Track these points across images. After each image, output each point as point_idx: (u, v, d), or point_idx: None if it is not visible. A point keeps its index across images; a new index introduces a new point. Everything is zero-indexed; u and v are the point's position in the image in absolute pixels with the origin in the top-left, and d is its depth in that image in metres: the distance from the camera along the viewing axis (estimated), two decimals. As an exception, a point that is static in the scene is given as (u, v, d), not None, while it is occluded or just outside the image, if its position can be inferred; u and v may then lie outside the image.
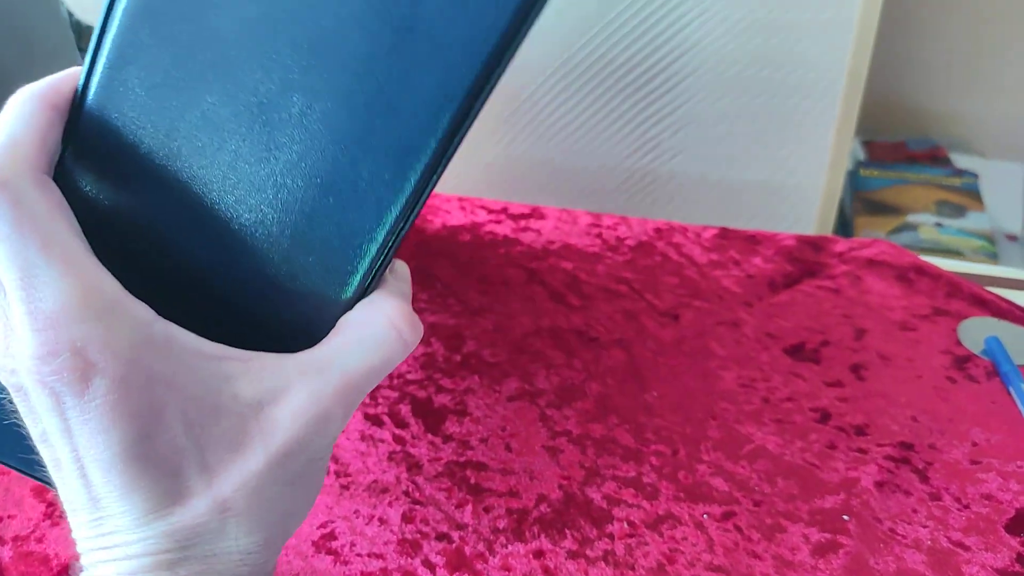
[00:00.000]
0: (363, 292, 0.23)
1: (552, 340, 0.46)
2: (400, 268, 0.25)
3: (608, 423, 0.40)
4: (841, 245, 0.52)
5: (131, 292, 0.21)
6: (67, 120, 0.22)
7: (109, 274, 0.21)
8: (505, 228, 0.55)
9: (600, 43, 0.58)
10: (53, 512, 0.37)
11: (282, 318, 0.24)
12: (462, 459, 0.39)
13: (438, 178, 0.22)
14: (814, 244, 0.53)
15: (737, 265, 0.51)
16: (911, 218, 1.00)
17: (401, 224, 0.22)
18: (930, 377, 0.42)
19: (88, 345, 0.19)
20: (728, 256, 0.52)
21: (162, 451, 0.20)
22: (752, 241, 0.54)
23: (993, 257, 0.94)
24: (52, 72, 0.22)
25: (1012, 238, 1.07)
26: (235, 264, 0.23)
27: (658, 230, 0.56)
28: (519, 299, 0.50)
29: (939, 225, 0.98)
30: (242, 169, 0.22)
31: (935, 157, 1.18)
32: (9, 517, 0.37)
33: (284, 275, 0.23)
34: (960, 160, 1.17)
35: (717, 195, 0.62)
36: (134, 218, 0.23)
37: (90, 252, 0.21)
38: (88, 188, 0.23)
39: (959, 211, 1.01)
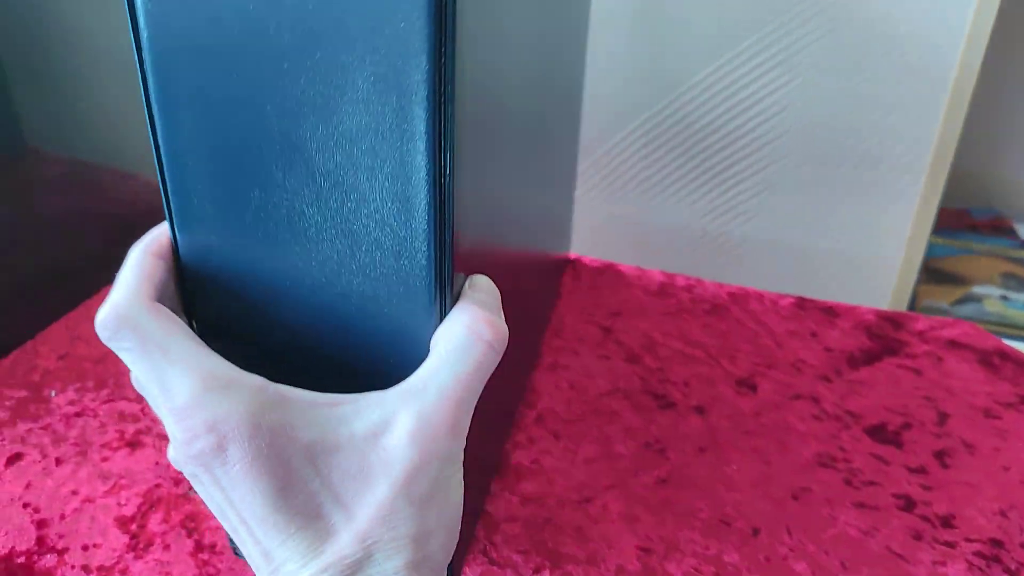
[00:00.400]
0: (442, 313, 0.26)
1: (628, 402, 0.46)
2: (480, 281, 0.27)
3: (687, 494, 0.40)
4: (922, 323, 0.52)
5: (250, 368, 0.25)
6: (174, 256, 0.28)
7: (222, 359, 0.25)
8: (581, 283, 0.55)
9: (685, 103, 0.58)
10: (136, 544, 0.38)
11: (381, 359, 0.27)
12: (539, 520, 0.39)
13: (450, 198, 0.24)
14: (894, 321, 0.52)
15: (814, 337, 0.51)
16: (976, 289, 0.98)
17: (440, 238, 0.24)
18: (1018, 470, 0.41)
19: (217, 421, 0.23)
20: (805, 327, 0.52)
21: (302, 497, 0.23)
22: (830, 313, 0.53)
23: (1061, 334, 0.92)
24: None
25: (1078, 314, 1.04)
26: (333, 329, 0.27)
27: (732, 295, 0.56)
28: (594, 357, 0.50)
29: (1004, 298, 0.97)
30: (318, 252, 0.26)
31: (998, 227, 1.17)
32: (95, 546, 0.38)
33: (371, 327, 0.26)
34: (1024, 231, 1.15)
35: (791, 261, 0.61)
36: (246, 310, 0.28)
37: (203, 347, 0.25)
38: (203, 296, 0.28)
39: (1025, 284, 1.00)
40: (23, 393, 0.48)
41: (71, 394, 0.47)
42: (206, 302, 0.29)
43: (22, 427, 0.45)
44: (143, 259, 0.28)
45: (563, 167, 0.49)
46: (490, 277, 0.28)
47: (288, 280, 0.27)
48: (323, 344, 0.27)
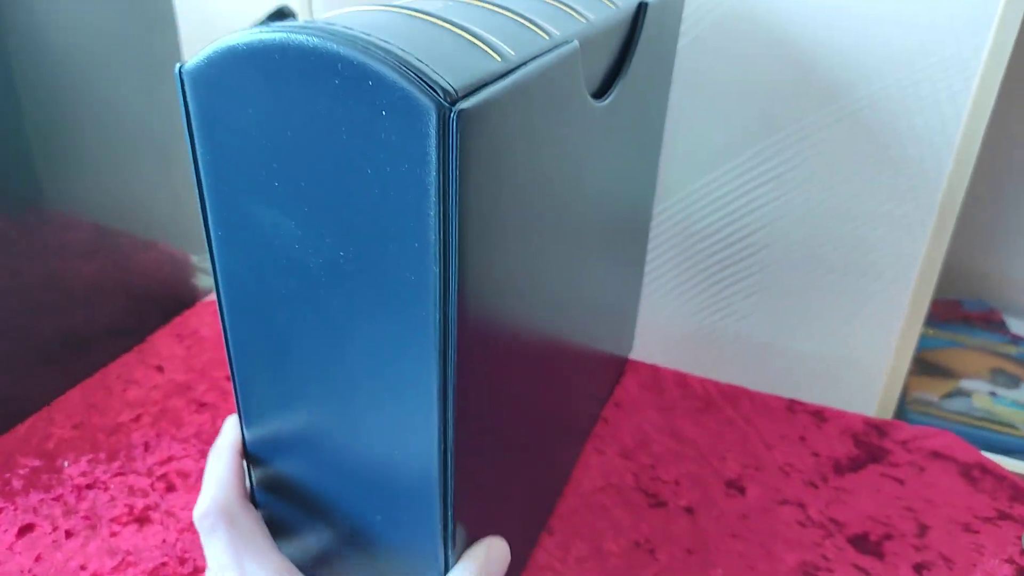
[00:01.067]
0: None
1: (620, 498, 0.48)
2: (479, 551, 0.32)
3: (674, 598, 0.41)
4: (906, 432, 0.54)
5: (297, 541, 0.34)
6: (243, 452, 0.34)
7: (289, 562, 0.32)
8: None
9: (683, 207, 0.61)
10: None
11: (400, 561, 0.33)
12: (530, 618, 0.40)
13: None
14: (879, 429, 0.54)
15: (803, 441, 0.53)
16: (964, 383, 1.00)
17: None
18: (994, 587, 0.43)
19: None
20: (794, 430, 0.54)
21: None
22: (819, 417, 0.55)
23: (1048, 434, 0.93)
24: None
25: (1066, 413, 1.06)
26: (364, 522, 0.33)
27: (724, 392, 0.58)
28: (591, 450, 0.51)
29: (993, 395, 0.98)
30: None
31: (989, 320, 1.19)
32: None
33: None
34: (1015, 325, 1.18)
35: (781, 360, 0.64)
36: (301, 495, 0.34)
37: (274, 547, 0.32)
38: (266, 489, 0.35)
39: (1014, 381, 1.01)
40: (37, 462, 0.49)
41: (83, 465, 0.49)
42: (269, 493, 0.35)
43: (34, 497, 0.47)
44: (232, 457, 0.33)
45: (628, 281, 0.54)
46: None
47: (334, 467, 0.32)
48: (354, 531, 0.33)
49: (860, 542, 0.45)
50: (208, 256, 0.29)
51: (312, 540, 0.35)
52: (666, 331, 0.66)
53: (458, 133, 0.23)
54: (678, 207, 0.61)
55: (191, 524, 0.45)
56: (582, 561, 0.43)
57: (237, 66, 0.24)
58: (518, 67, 0.27)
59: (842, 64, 0.53)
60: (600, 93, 0.37)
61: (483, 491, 0.33)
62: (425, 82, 0.23)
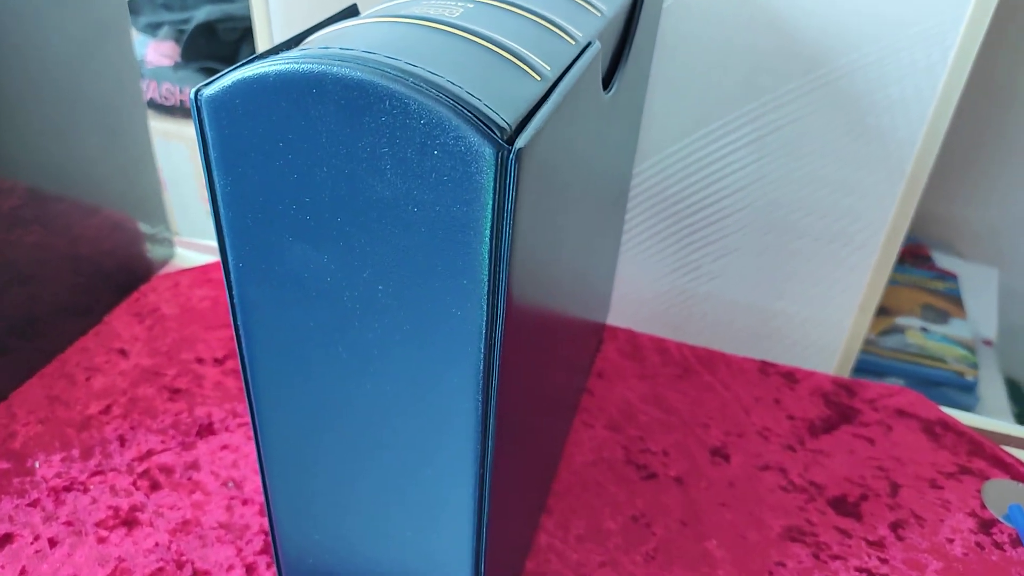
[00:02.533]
0: None
1: (612, 473, 0.49)
2: None
3: (675, 573, 0.43)
4: (872, 391, 0.56)
5: None
6: None
7: None
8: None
9: (659, 171, 0.61)
10: (146, 634, 0.38)
11: None
12: (539, 601, 0.41)
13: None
14: (847, 388, 0.57)
15: (778, 404, 0.55)
16: (899, 320, 1.06)
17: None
18: (961, 542, 0.46)
19: None
20: (769, 393, 0.56)
21: None
22: (790, 378, 0.57)
23: (974, 367, 1.00)
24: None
25: (988, 343, 1.13)
26: None
27: (700, 358, 0.59)
28: (579, 423, 0.52)
29: (924, 330, 1.04)
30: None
31: (917, 255, 1.25)
32: (103, 638, 0.38)
33: None
34: (940, 259, 1.24)
35: (749, 318, 0.65)
36: None
37: None
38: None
39: (943, 317, 1.08)
40: (5, 464, 0.47)
41: (56, 465, 0.47)
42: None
43: (8, 504, 0.44)
44: None
45: (611, 250, 0.53)
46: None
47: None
48: None
49: (839, 504, 0.48)
50: (226, 285, 0.27)
51: None
52: (640, 294, 0.67)
53: (516, 173, 0.22)
54: (654, 170, 0.61)
55: (183, 524, 0.44)
56: (583, 540, 0.44)
57: (266, 97, 0.22)
58: (555, 83, 0.26)
59: (824, 32, 0.52)
60: (605, 82, 0.36)
61: (508, 504, 0.33)
62: (481, 121, 0.21)
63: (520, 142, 0.21)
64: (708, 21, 0.54)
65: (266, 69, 0.22)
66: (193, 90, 0.23)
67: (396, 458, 0.29)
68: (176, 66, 0.99)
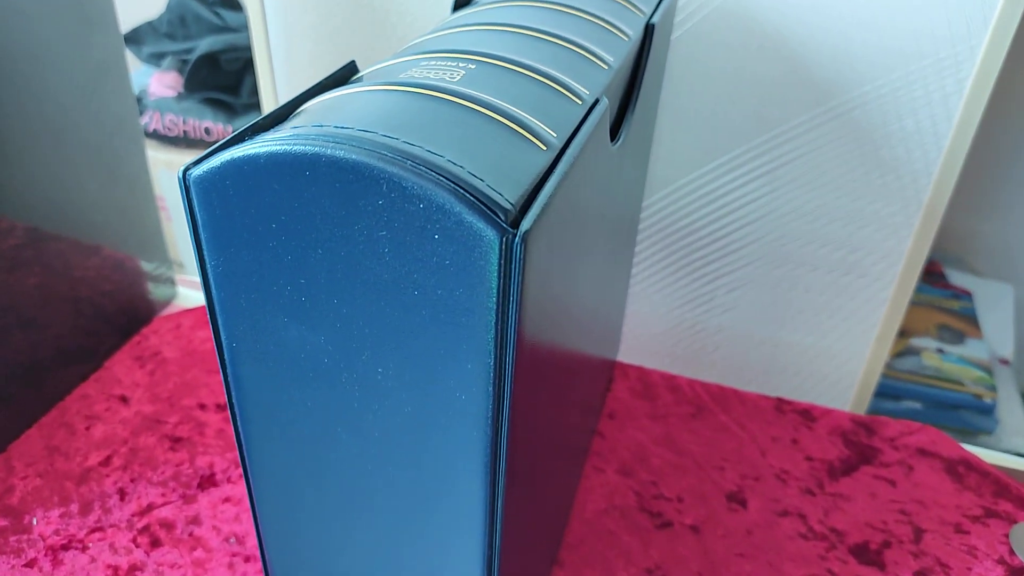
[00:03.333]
0: None
1: (625, 521, 0.47)
2: None
3: (692, 630, 0.41)
4: (891, 429, 0.55)
5: None
6: None
7: None
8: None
9: (669, 203, 0.60)
10: None
11: None
12: (552, 663, 0.39)
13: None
14: (866, 427, 0.55)
15: (795, 445, 0.53)
16: (914, 342, 1.04)
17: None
18: (989, 592, 0.44)
19: None
20: (786, 432, 0.54)
21: None
22: (807, 416, 0.56)
23: (992, 389, 0.98)
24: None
25: (1004, 362, 1.11)
26: None
27: (714, 396, 0.57)
28: (589, 468, 0.51)
29: (941, 351, 1.02)
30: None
31: (930, 272, 1.23)
32: None
33: None
34: (954, 277, 1.22)
35: (762, 352, 0.64)
36: None
37: None
38: None
39: (959, 337, 1.06)
40: (2, 522, 0.45)
41: (55, 521, 0.46)
42: None
43: (4, 565, 0.43)
44: None
45: (621, 287, 0.52)
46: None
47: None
48: None
49: (861, 552, 0.46)
50: (220, 364, 0.26)
51: None
52: (650, 328, 0.65)
53: (522, 258, 0.20)
54: (664, 203, 0.60)
55: (184, 584, 0.42)
56: (596, 595, 0.43)
57: (257, 178, 0.21)
58: (562, 150, 0.25)
59: (836, 64, 0.51)
60: (612, 132, 0.35)
61: (517, 560, 0.32)
62: (483, 204, 0.20)
63: (525, 224, 0.20)
64: (717, 52, 0.53)
65: (257, 150, 0.21)
66: (181, 169, 0.22)
67: (399, 497, 0.28)
68: (179, 96, 0.98)
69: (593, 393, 0.49)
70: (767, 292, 0.61)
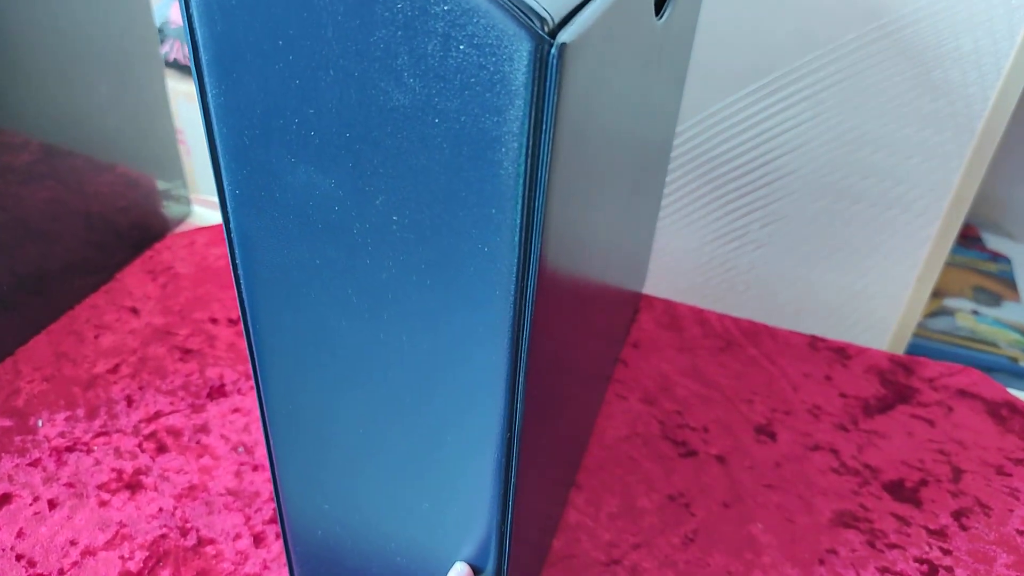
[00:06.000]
0: None
1: (647, 449, 0.45)
2: None
3: (716, 557, 0.39)
4: (931, 370, 0.52)
5: None
6: None
7: None
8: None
9: (702, 130, 0.57)
10: (145, 604, 0.36)
11: None
12: (568, 583, 0.38)
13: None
14: (905, 366, 0.52)
15: (829, 381, 0.51)
16: (948, 302, 1.00)
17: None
18: (1032, 533, 0.42)
19: None
20: (819, 369, 0.52)
21: None
22: (842, 354, 0.53)
23: (1028, 353, 0.94)
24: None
25: (1041, 329, 1.07)
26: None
27: (744, 331, 0.55)
28: (611, 395, 0.49)
29: (976, 313, 0.99)
30: None
31: (966, 235, 1.19)
32: (100, 607, 0.35)
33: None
34: (991, 241, 1.18)
35: (795, 291, 0.61)
36: None
37: None
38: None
39: (995, 300, 1.02)
40: (7, 422, 0.44)
41: (60, 424, 0.44)
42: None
43: (8, 463, 0.42)
44: None
45: (649, 213, 0.49)
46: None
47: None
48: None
49: (896, 489, 0.44)
50: (222, 215, 0.24)
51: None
52: (679, 263, 0.63)
53: (558, 73, 0.18)
54: (697, 129, 0.57)
55: (190, 489, 0.41)
56: (615, 518, 0.41)
57: None
58: None
59: (890, -26, 0.48)
60: (657, 7, 0.32)
61: (535, 476, 0.30)
62: (517, 7, 0.18)
63: (564, 36, 0.18)
64: (762, -37, 0.50)
65: None
66: (182, -19, 0.20)
67: (413, 419, 0.26)
68: (200, 26, 0.96)
69: (617, 319, 0.46)
70: (803, 227, 0.58)
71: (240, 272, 0.25)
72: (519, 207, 0.20)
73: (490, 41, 0.18)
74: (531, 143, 0.19)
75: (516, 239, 0.21)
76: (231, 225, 0.24)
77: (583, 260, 0.28)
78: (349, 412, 0.27)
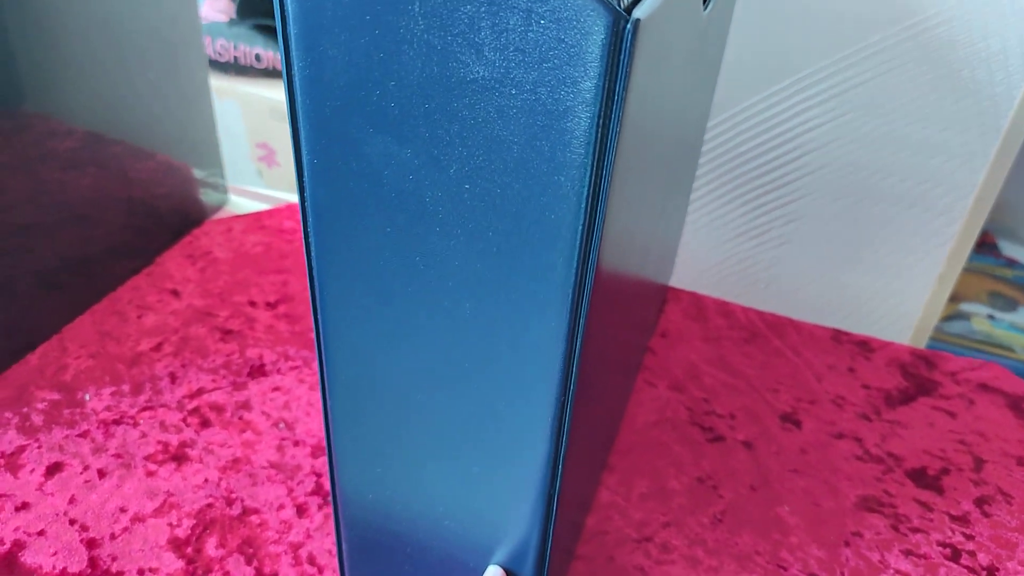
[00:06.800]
0: None
1: (676, 434, 0.46)
2: None
3: (744, 537, 0.40)
4: (953, 364, 0.53)
5: None
6: None
7: None
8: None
9: (727, 128, 0.58)
10: (195, 571, 0.37)
11: None
12: (601, 559, 0.39)
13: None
14: (927, 360, 0.53)
15: (852, 373, 0.52)
16: (964, 307, 1.01)
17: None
18: (1053, 522, 0.43)
19: None
20: (842, 361, 0.53)
21: None
22: (865, 347, 0.54)
23: (1043, 358, 0.95)
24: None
25: (1056, 336, 1.08)
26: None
27: (769, 323, 0.56)
28: (641, 382, 0.50)
29: (991, 318, 1.00)
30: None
31: (982, 242, 1.20)
32: (151, 571, 0.37)
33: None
34: (1006, 247, 1.19)
35: (818, 287, 0.62)
36: None
37: None
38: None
39: (1011, 305, 1.03)
40: (55, 395, 0.46)
41: (107, 398, 0.46)
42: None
43: (58, 433, 0.43)
44: None
45: (681, 206, 0.51)
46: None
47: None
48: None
49: (919, 477, 0.45)
50: (297, 186, 0.25)
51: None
52: (705, 256, 0.64)
53: (631, 51, 0.19)
54: (725, 126, 0.58)
55: (233, 462, 0.42)
56: (646, 498, 0.42)
57: None
58: None
59: (918, -24, 0.49)
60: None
61: (579, 450, 0.31)
62: None
63: (639, 12, 0.19)
64: (793, -36, 0.51)
65: None
66: (275, -41, 0.21)
67: (471, 385, 0.27)
68: (231, 22, 0.98)
69: (647, 309, 0.48)
70: (827, 225, 0.59)
71: (312, 241, 0.26)
72: (587, 177, 0.21)
73: (570, 16, 0.19)
74: (602, 114, 0.20)
75: (582, 207, 0.22)
76: (306, 194, 0.25)
77: (631, 243, 0.30)
78: (408, 377, 0.28)
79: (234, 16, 0.99)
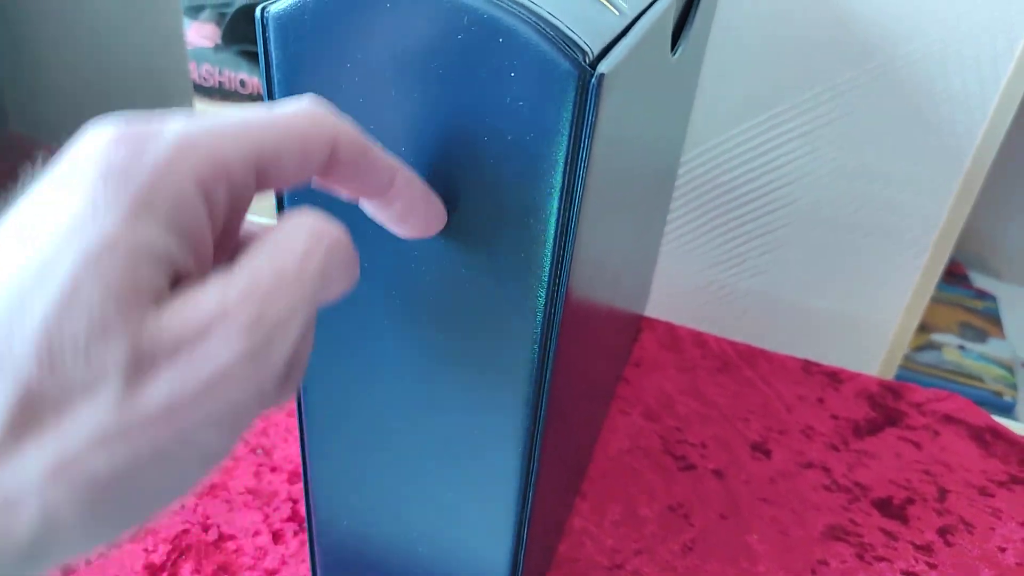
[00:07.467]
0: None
1: (648, 461, 0.47)
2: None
3: (714, 565, 0.41)
4: (919, 395, 0.54)
5: None
6: None
7: None
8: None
9: (705, 161, 0.60)
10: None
11: None
12: (572, 585, 0.39)
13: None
14: (894, 391, 0.55)
15: (821, 403, 0.53)
16: (935, 337, 1.03)
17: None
18: (1012, 552, 0.44)
19: None
20: (812, 392, 0.54)
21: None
22: (834, 378, 0.55)
23: (1012, 387, 0.97)
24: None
25: (1027, 366, 1.10)
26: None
27: (741, 353, 0.57)
28: (615, 411, 0.51)
29: (962, 348, 1.02)
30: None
31: (953, 273, 1.23)
32: (125, 596, 0.37)
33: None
34: (977, 279, 1.21)
35: (790, 317, 0.64)
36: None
37: None
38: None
39: (981, 336, 1.05)
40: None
41: (84, 423, 0.46)
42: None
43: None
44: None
45: (654, 238, 0.52)
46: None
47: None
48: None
49: (885, 506, 0.46)
50: (277, 216, 0.26)
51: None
52: (679, 286, 0.65)
53: (596, 100, 0.20)
54: (700, 160, 0.60)
55: (210, 488, 0.42)
56: (618, 525, 0.43)
57: (336, 12, 0.21)
58: (633, 22, 0.25)
59: (883, 20, 0.51)
60: (672, 41, 0.35)
61: (551, 476, 0.32)
62: (564, 42, 0.20)
63: (603, 67, 0.20)
64: (762, 6, 0.53)
65: None
66: (259, 8, 0.22)
67: (445, 414, 0.28)
68: (216, 48, 0.99)
69: (621, 339, 0.49)
70: (800, 255, 0.61)
71: None
72: (554, 219, 0.22)
73: (543, 72, 0.20)
74: (569, 159, 0.21)
75: (550, 248, 0.23)
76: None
77: (601, 277, 0.31)
78: (383, 406, 0.29)
79: (219, 42, 1.00)
